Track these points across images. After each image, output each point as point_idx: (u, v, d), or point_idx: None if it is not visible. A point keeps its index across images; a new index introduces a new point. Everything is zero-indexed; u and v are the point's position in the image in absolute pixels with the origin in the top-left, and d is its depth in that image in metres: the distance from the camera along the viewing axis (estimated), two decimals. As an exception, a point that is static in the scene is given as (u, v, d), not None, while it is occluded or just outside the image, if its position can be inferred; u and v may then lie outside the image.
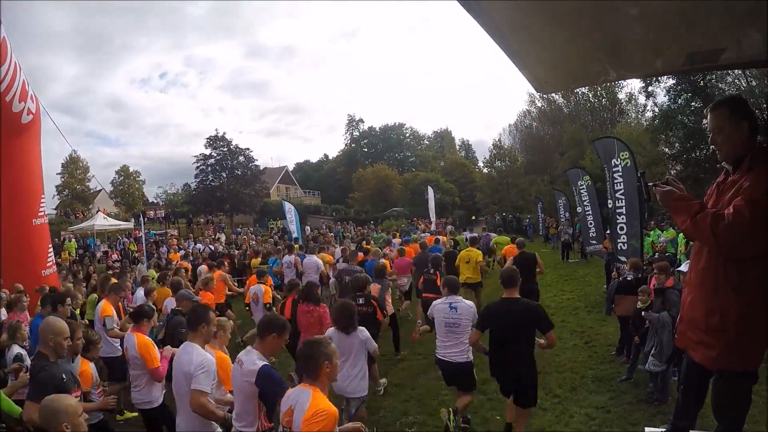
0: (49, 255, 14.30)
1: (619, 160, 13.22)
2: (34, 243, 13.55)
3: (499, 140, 58.89)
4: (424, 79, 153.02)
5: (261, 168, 59.48)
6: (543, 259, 13.59)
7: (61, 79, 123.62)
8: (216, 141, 54.96)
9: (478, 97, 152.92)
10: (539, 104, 55.78)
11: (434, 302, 7.55)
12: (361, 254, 15.25)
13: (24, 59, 11.57)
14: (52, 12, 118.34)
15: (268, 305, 10.95)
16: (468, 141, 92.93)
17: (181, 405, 5.11)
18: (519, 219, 45.04)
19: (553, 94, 49.35)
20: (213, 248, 27.22)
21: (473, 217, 50.99)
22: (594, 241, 19.44)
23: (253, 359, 4.77)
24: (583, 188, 19.81)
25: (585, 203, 19.80)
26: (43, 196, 14.36)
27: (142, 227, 27.64)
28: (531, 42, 2.95)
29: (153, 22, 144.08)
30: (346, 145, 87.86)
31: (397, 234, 25.30)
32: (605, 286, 15.38)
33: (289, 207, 28.60)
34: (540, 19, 2.62)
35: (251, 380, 4.66)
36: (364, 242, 20.06)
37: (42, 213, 13.94)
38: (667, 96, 30.42)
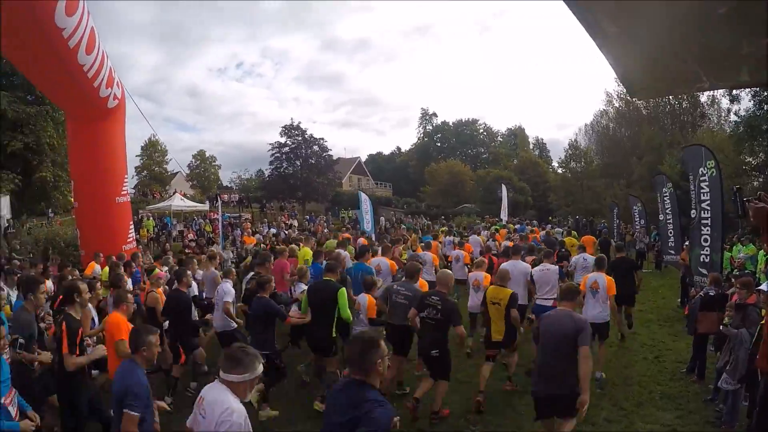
0: (129, 231, 15.33)
1: (705, 169, 12.65)
2: (116, 219, 14.52)
3: (575, 140, 57.34)
4: (497, 74, 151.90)
5: (334, 158, 59.82)
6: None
7: (141, 68, 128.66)
8: (291, 130, 55.64)
9: (552, 96, 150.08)
10: (617, 104, 53.13)
11: None
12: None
13: (107, 49, 12.10)
14: (133, 5, 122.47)
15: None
16: (542, 140, 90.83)
17: None
18: (592, 223, 42.60)
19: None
20: (287, 234, 27.53)
21: (551, 218, 48.60)
22: (672, 252, 18.86)
23: None
24: (667, 195, 19.21)
25: (667, 211, 19.17)
26: (126, 176, 15.04)
27: (219, 209, 28.28)
28: (631, 45, 2.92)
29: (229, 14, 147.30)
30: (418, 138, 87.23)
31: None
32: (679, 300, 15.09)
33: (364, 198, 28.77)
34: (643, 23, 2.59)
35: None
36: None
37: (125, 192, 14.95)
38: (752, 101, 29.46)
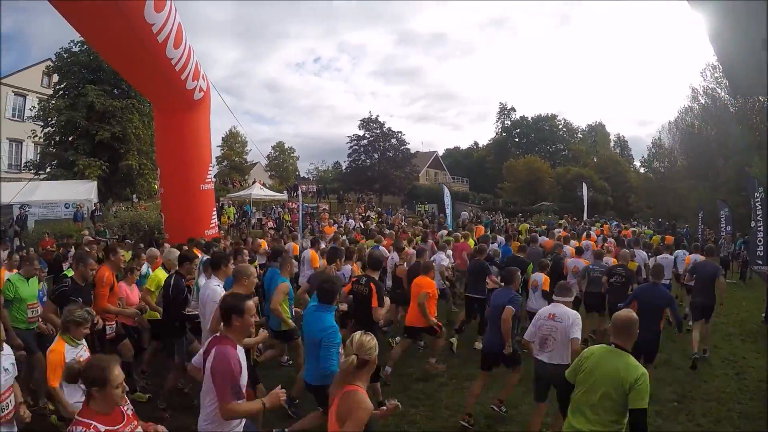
0: (212, 217, 16.00)
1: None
2: (200, 206, 15.12)
3: (659, 138, 55.52)
4: (577, 68, 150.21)
5: (412, 151, 59.88)
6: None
7: (221, 63, 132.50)
8: (370, 123, 56.09)
9: (634, 91, 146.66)
10: (702, 101, 49.25)
11: None
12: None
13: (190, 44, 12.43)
14: (210, 4, 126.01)
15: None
16: (623, 137, 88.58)
17: None
18: (674, 227, 38.23)
19: (718, 90, 45.82)
20: (364, 225, 27.89)
21: (632, 220, 45.34)
22: (760, 261, 17.93)
23: None
24: (758, 201, 18.22)
25: (759, 217, 18.10)
26: (210, 164, 15.69)
27: (300, 200, 28.88)
28: (744, 44, 2.97)
29: (305, 11, 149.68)
30: (496, 133, 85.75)
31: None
32: (764, 314, 14.18)
33: (447, 192, 29.01)
34: (758, 22, 2.65)
35: None
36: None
37: (209, 180, 15.55)
38: None
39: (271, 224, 31.37)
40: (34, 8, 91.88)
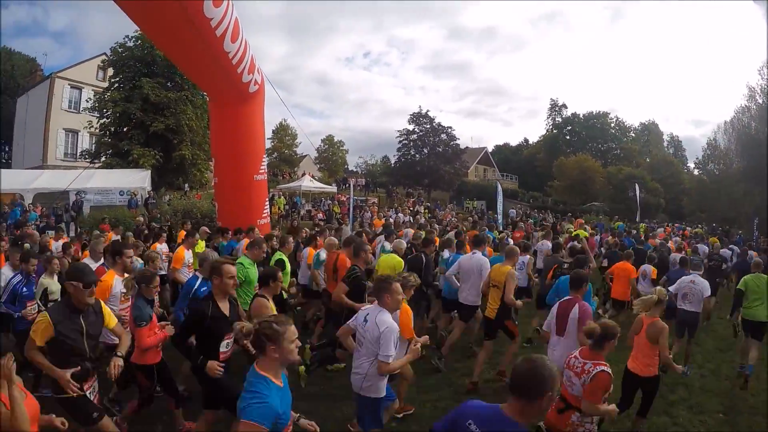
0: (265, 207, 16.37)
1: None
2: (253, 196, 15.51)
3: (714, 139, 54.12)
4: (630, 64, 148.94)
5: (461, 147, 59.52)
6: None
7: (271, 58, 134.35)
8: (419, 118, 56.20)
9: (688, 90, 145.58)
10: (760, 100, 48.05)
11: None
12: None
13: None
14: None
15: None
16: (677, 137, 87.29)
17: None
18: (728, 233, 35.83)
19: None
20: (414, 220, 27.96)
21: (684, 223, 44.67)
22: None
23: None
24: None
25: None
26: (264, 156, 15.94)
27: (351, 192, 29.31)
28: None
29: (355, 5, 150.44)
30: (547, 130, 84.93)
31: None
32: None
33: (500, 189, 29.08)
34: None
35: None
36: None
37: (263, 171, 15.93)
38: None
39: (321, 216, 31.75)
40: (87, 6, 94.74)
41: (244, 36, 12.17)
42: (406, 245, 11.51)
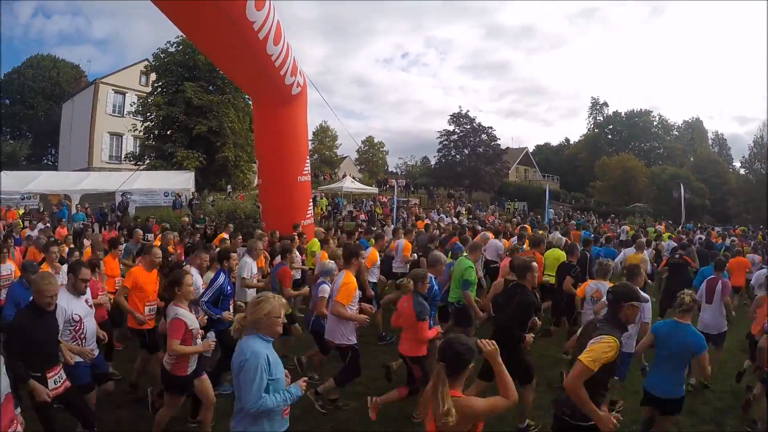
0: (308, 208, 16.63)
1: None
2: (297, 197, 15.71)
3: (761, 137, 52.82)
4: (672, 61, 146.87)
5: (503, 147, 59.03)
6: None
7: (311, 59, 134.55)
8: (459, 118, 56.02)
9: (733, 86, 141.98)
10: None
11: None
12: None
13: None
14: (297, 4, 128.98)
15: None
16: (722, 135, 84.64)
17: None
18: None
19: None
20: (457, 221, 27.93)
21: (735, 226, 41.03)
22: None
23: None
24: None
25: None
26: (307, 157, 16.14)
27: (395, 193, 29.28)
28: None
29: (392, 7, 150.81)
30: (588, 130, 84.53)
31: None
32: None
33: (547, 190, 29.18)
34: None
35: None
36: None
37: (306, 172, 16.07)
38: None
39: (363, 217, 31.93)
40: (127, 16, 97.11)
41: (286, 39, 12.30)
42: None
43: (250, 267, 9.01)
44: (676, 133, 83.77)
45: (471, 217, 33.69)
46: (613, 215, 44.28)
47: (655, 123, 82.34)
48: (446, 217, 30.33)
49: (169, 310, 5.57)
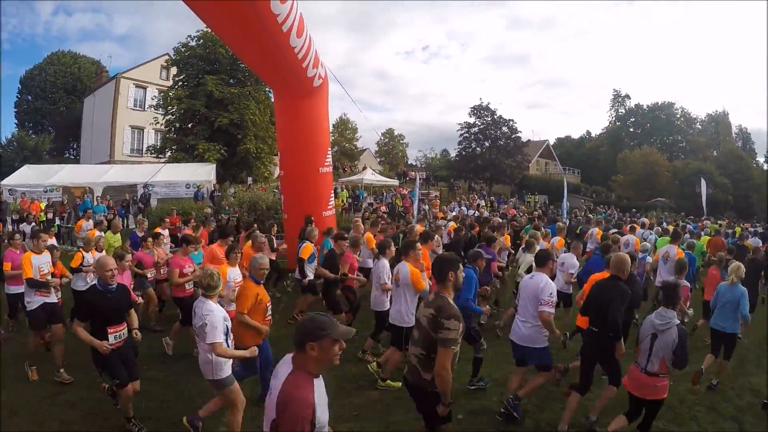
0: (330, 199, 16.73)
1: None
2: (319, 188, 15.81)
3: None
4: (695, 52, 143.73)
5: (524, 140, 58.31)
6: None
7: (332, 54, 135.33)
8: (480, 110, 55.61)
9: (757, 79, 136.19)
10: None
11: None
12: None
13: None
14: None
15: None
16: (746, 129, 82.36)
17: None
18: None
19: None
20: (479, 213, 27.81)
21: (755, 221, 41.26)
22: None
23: None
24: None
25: None
26: (329, 148, 16.25)
27: (417, 185, 29.27)
28: None
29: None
30: (610, 122, 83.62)
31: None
32: None
33: (566, 184, 29.10)
34: None
35: None
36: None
37: (327, 163, 16.12)
38: None
39: (383, 209, 31.94)
40: (147, 12, 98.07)
41: (308, 31, 12.38)
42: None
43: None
44: (699, 126, 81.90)
45: (491, 209, 33.59)
46: (634, 209, 43.33)
47: (678, 116, 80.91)
48: (467, 209, 30.31)
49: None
